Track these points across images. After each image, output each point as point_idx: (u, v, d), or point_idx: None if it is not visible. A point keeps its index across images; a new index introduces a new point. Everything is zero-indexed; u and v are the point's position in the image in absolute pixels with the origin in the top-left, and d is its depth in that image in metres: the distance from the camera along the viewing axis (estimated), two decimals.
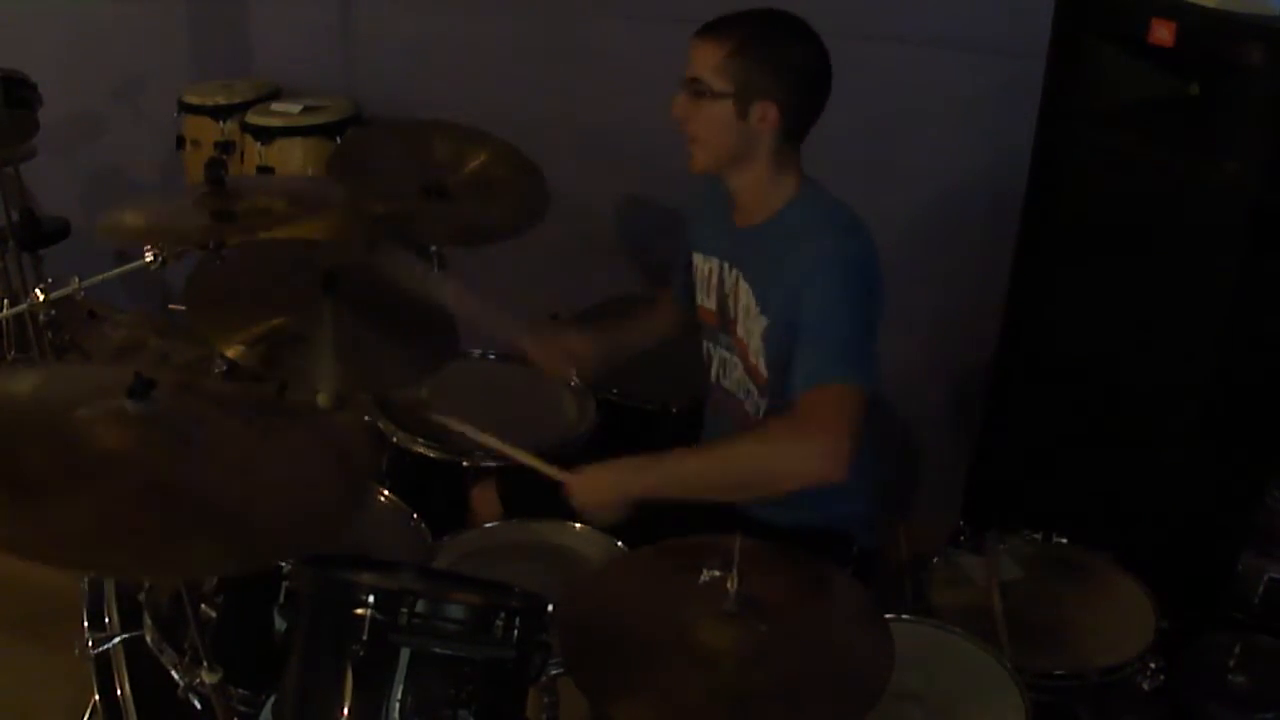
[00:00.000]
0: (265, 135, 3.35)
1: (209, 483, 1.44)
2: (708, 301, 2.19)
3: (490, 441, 2.13)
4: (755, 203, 2.07)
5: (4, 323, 3.41)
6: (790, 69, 1.98)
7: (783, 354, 1.98)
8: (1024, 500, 2.53)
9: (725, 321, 2.15)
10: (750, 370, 2.10)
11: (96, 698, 2.03)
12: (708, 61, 1.97)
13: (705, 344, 2.24)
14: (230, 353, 1.98)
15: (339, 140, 3.36)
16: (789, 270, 1.97)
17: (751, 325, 2.06)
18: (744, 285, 2.08)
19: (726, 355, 2.18)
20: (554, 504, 2.07)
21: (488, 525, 2.13)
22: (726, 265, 2.12)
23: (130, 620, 1.90)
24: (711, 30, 1.99)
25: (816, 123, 2.04)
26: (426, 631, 1.46)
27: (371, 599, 1.45)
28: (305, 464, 1.57)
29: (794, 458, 1.86)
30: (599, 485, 1.97)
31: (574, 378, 2.46)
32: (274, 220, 2.29)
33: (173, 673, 1.78)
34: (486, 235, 2.83)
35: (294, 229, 2.36)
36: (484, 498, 2.27)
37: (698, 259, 2.21)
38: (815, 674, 1.54)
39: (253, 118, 3.41)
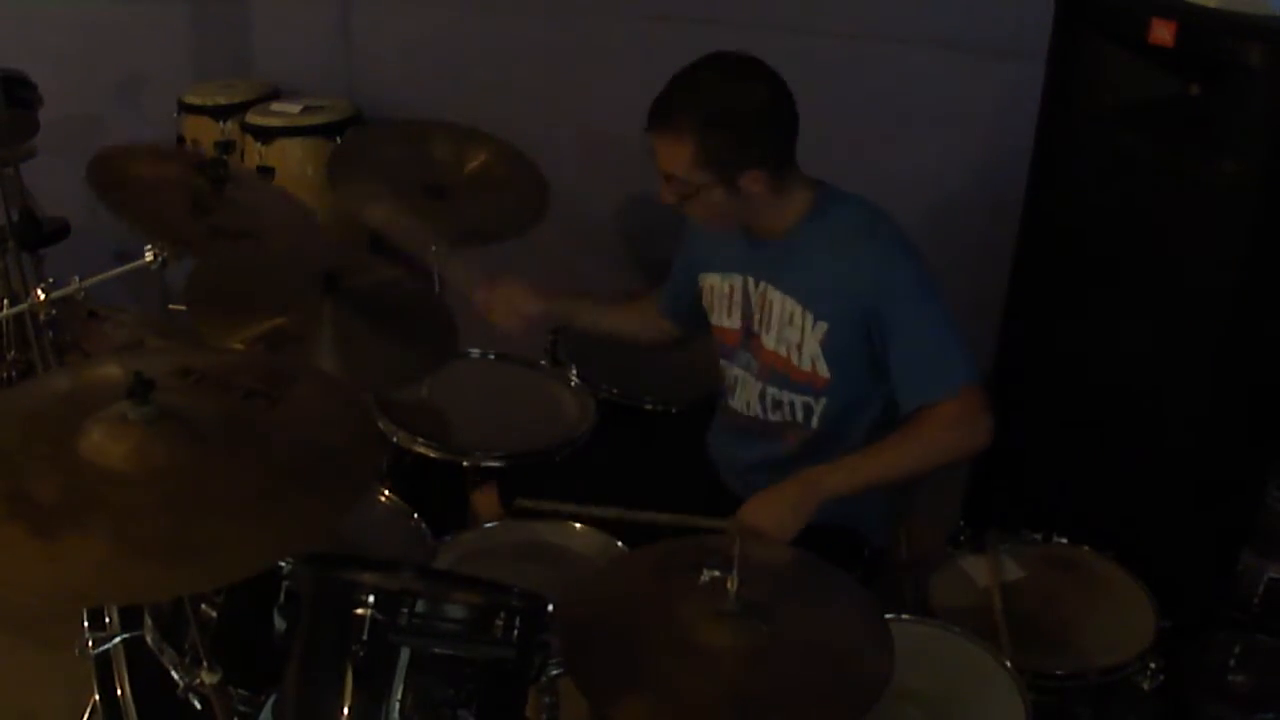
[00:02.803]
0: (265, 135, 3.35)
1: (226, 476, 1.44)
2: (728, 321, 2.17)
3: (642, 516, 2.01)
4: (770, 222, 2.06)
5: (4, 323, 3.40)
6: (759, 130, 1.93)
7: (853, 353, 2.01)
8: (1024, 500, 2.53)
9: (748, 337, 2.14)
10: (798, 377, 2.07)
11: (96, 698, 2.03)
12: (678, 161, 1.93)
13: (723, 364, 2.23)
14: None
15: (339, 140, 3.36)
16: (845, 274, 1.98)
17: (793, 334, 2.04)
18: (777, 294, 2.06)
19: (741, 373, 2.17)
20: (561, 494, 2.06)
21: (487, 525, 2.13)
22: (751, 280, 2.11)
23: (130, 620, 1.90)
24: (667, 124, 1.92)
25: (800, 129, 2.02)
26: (426, 631, 1.46)
27: (371, 599, 1.45)
28: (316, 425, 1.58)
29: (953, 449, 1.99)
30: (769, 522, 1.92)
31: (521, 332, 2.36)
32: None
33: (173, 673, 1.78)
34: (486, 235, 2.83)
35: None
36: (485, 500, 2.27)
37: (713, 279, 2.18)
38: (815, 674, 1.54)
39: (253, 118, 3.41)
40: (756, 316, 2.11)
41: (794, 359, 2.06)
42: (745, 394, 2.17)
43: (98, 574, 1.31)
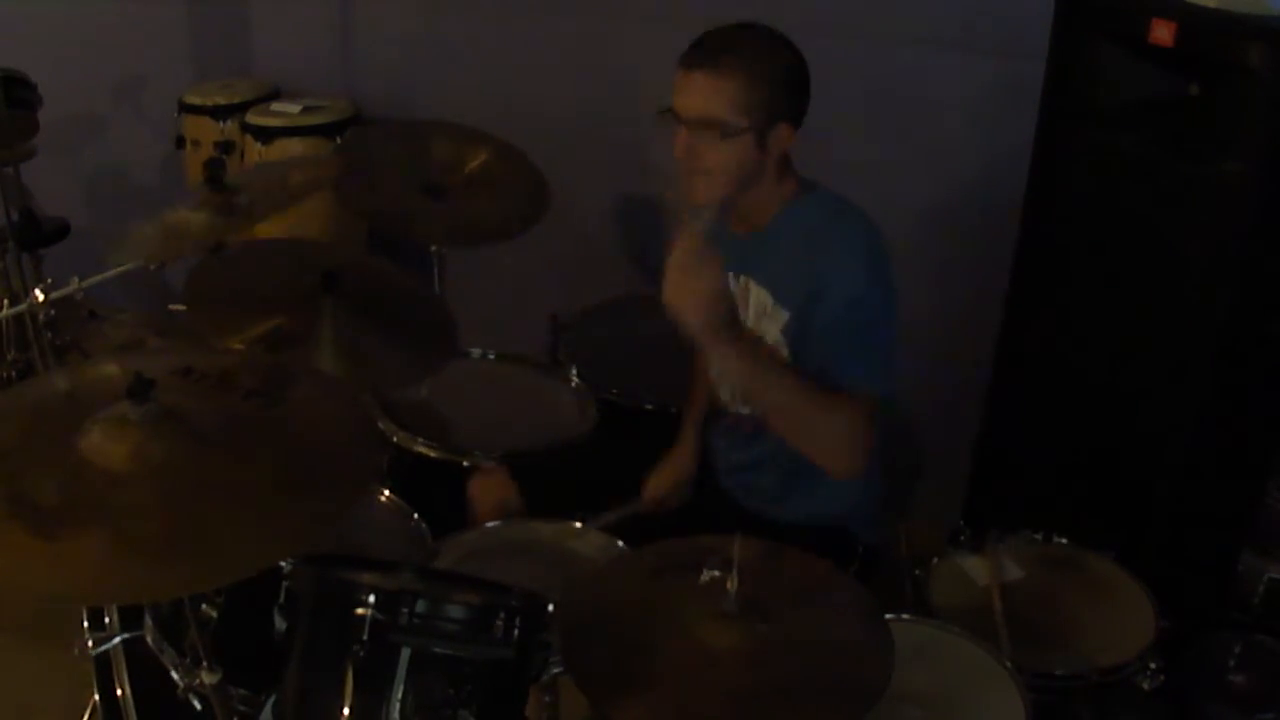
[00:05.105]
0: (265, 135, 3.35)
1: (226, 476, 1.45)
2: None
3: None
4: (756, 209, 2.06)
5: (4, 323, 3.40)
6: (794, 84, 1.98)
7: (810, 342, 2.00)
8: (1024, 500, 2.53)
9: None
10: None
11: (96, 698, 2.04)
12: (717, 100, 1.93)
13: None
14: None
15: (339, 140, 3.36)
16: (807, 264, 1.98)
17: (767, 324, 2.05)
18: (755, 288, 2.07)
19: None
20: (562, 494, 2.05)
21: (488, 525, 2.12)
22: (732, 275, 2.11)
23: (130, 620, 1.90)
24: (712, 64, 1.94)
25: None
26: (427, 631, 1.46)
27: (372, 599, 1.45)
28: (316, 425, 1.58)
29: (826, 432, 1.89)
30: (690, 310, 1.78)
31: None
32: (277, 202, 2.28)
33: (173, 673, 1.78)
34: (486, 235, 2.83)
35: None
36: (484, 486, 2.26)
37: None
38: (815, 674, 1.54)
39: (253, 118, 3.41)
40: (741, 309, 2.11)
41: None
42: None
43: (98, 574, 1.31)
